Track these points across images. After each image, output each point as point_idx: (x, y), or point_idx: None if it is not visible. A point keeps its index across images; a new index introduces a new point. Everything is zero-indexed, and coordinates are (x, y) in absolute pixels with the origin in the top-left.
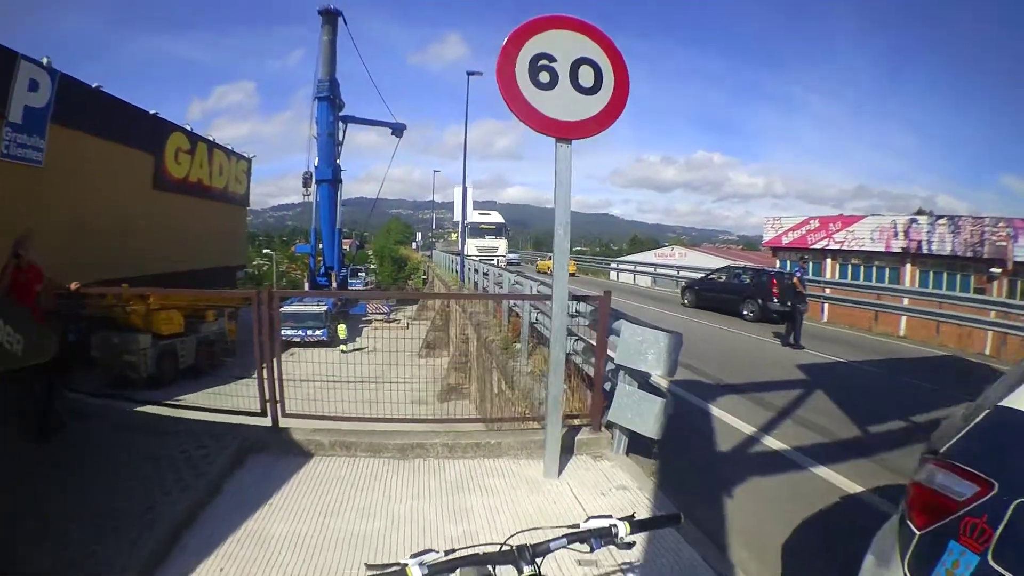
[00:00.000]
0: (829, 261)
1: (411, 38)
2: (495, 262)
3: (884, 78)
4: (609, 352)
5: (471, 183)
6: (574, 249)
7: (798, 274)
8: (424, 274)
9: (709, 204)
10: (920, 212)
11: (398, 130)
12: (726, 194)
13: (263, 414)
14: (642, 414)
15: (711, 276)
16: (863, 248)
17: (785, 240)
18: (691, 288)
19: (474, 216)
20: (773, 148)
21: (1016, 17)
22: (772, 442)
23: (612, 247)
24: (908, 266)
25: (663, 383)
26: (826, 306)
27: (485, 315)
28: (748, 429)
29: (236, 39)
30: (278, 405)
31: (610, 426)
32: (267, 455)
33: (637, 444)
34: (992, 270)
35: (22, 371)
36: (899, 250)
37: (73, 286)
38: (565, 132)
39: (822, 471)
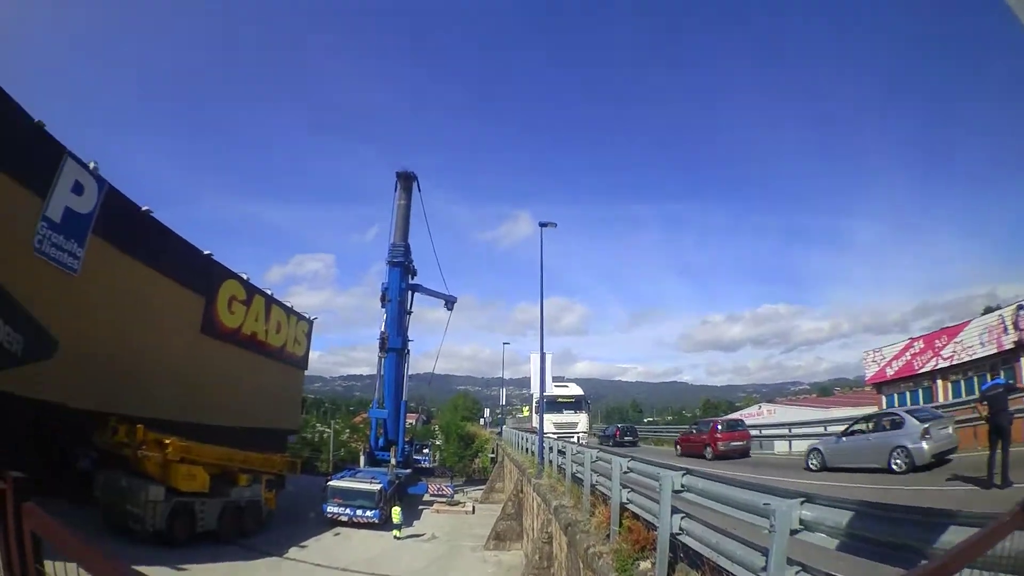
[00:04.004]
0: (940, 382)
1: (480, 216)
2: (575, 439)
3: (920, 191)
4: None
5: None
6: (645, 420)
7: (1004, 383)
8: (493, 452)
9: (778, 356)
10: (988, 310)
11: (450, 302)
12: (794, 343)
13: None
14: None
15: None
16: (975, 356)
17: (889, 372)
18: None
19: (550, 389)
20: (832, 287)
21: None
22: None
23: (685, 414)
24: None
25: None
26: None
27: (575, 510)
28: None
29: (321, 212)
30: None
31: None
32: None
33: None
34: None
35: None
36: (1011, 345)
37: None
38: None
39: None
